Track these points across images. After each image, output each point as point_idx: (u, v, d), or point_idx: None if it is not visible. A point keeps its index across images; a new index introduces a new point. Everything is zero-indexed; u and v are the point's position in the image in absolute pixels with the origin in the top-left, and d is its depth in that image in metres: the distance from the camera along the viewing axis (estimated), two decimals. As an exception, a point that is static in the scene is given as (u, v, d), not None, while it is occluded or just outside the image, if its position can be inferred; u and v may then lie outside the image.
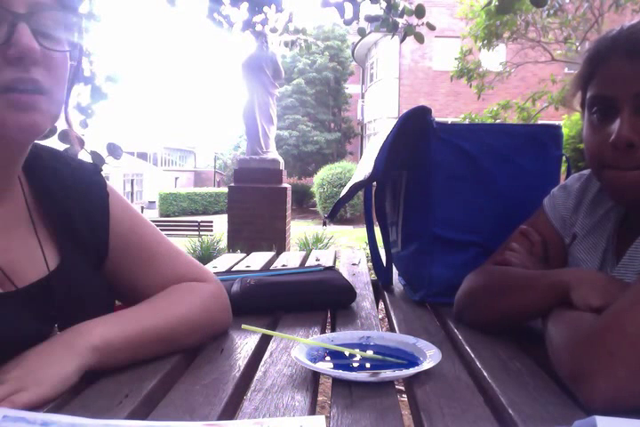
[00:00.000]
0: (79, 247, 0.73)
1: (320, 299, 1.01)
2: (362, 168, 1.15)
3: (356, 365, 0.70)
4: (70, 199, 0.72)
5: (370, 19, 3.92)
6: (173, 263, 0.80)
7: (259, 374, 0.67)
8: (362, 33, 4.22)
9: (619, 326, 0.57)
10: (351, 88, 21.73)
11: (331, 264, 1.48)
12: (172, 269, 0.79)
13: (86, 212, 0.74)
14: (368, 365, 0.69)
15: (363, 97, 22.37)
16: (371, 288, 1.20)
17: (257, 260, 1.59)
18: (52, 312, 0.66)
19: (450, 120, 13.66)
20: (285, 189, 6.50)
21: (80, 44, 0.66)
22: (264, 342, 0.81)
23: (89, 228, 0.74)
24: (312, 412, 0.58)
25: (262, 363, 0.71)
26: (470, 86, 9.25)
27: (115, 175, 22.25)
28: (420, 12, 3.40)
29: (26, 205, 0.69)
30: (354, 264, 1.52)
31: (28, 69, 0.57)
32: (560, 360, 0.63)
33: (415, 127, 1.04)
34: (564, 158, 1.07)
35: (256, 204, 6.31)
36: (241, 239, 6.09)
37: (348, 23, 3.75)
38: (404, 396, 0.66)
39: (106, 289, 0.76)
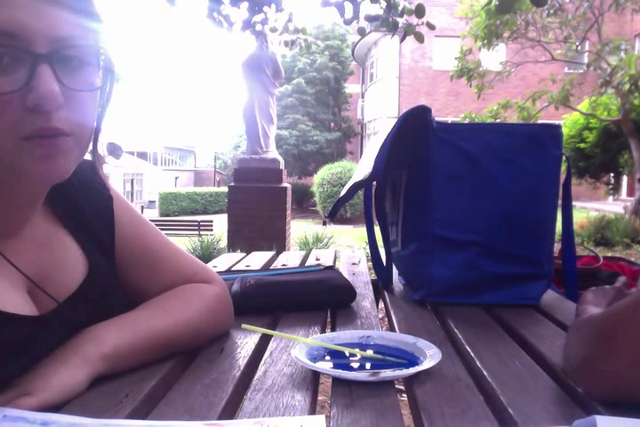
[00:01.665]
0: (98, 247, 0.73)
1: (320, 298, 1.01)
2: (362, 168, 1.15)
3: (355, 364, 0.70)
4: (81, 200, 0.72)
5: (370, 18, 3.92)
6: (179, 265, 0.79)
7: (259, 373, 0.67)
8: (362, 32, 4.23)
9: (627, 315, 0.55)
10: (351, 88, 21.73)
11: (331, 264, 1.48)
12: (177, 270, 0.79)
13: (96, 212, 0.74)
14: (368, 364, 0.69)
15: (363, 96, 22.38)
16: (371, 288, 1.20)
17: (257, 259, 1.59)
18: (89, 319, 0.66)
19: (450, 120, 13.67)
20: (285, 188, 6.50)
21: (112, 68, 0.61)
22: (264, 341, 0.81)
23: (102, 228, 0.74)
24: (312, 411, 0.58)
25: (262, 362, 0.71)
26: (470, 86, 9.25)
27: (115, 175, 22.25)
28: (419, 11, 3.41)
29: (46, 214, 0.69)
30: (354, 264, 1.52)
31: (50, 118, 0.53)
32: (568, 349, 0.63)
33: (415, 127, 1.04)
34: (563, 158, 1.08)
35: (256, 203, 6.30)
36: (241, 239, 6.09)
37: (347, 23, 3.75)
38: (404, 395, 0.66)
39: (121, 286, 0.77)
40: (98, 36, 0.59)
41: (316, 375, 0.67)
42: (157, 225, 0.83)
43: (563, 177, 1.10)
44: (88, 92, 0.57)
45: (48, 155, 0.55)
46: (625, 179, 12.14)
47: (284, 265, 1.49)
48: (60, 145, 0.55)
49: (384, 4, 3.61)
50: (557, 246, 1.16)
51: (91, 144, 0.62)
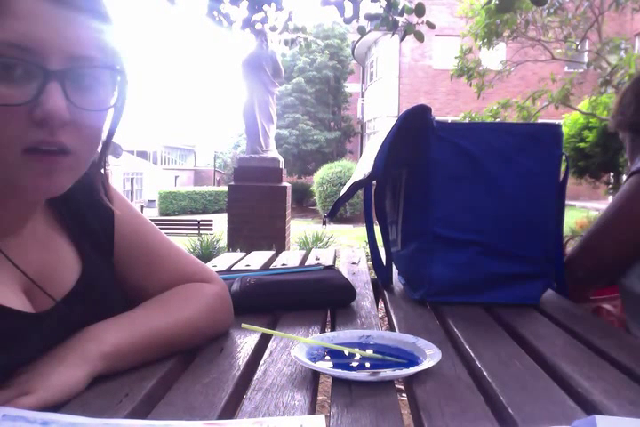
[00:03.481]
0: (95, 247, 0.73)
1: (320, 298, 1.01)
2: (361, 167, 1.15)
3: (355, 364, 0.70)
4: (80, 198, 0.72)
5: (370, 17, 3.92)
6: (179, 264, 0.79)
7: (258, 373, 0.67)
8: (362, 31, 4.22)
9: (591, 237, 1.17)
10: (351, 87, 21.72)
11: (330, 263, 1.48)
12: (177, 269, 0.79)
13: (95, 212, 0.73)
14: (368, 364, 0.69)
15: (363, 96, 22.37)
16: (370, 287, 1.20)
17: (257, 259, 1.59)
18: (85, 319, 0.66)
19: (450, 119, 13.66)
20: (285, 187, 6.50)
21: (126, 89, 0.61)
22: (264, 341, 0.81)
23: (101, 226, 0.74)
24: (312, 411, 0.58)
25: (262, 362, 0.71)
26: (470, 85, 9.23)
27: (115, 174, 22.23)
28: (419, 10, 3.40)
29: (45, 211, 0.69)
30: (354, 263, 1.52)
31: (54, 132, 0.53)
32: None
33: (415, 126, 1.04)
34: (563, 157, 1.07)
35: (256, 203, 6.31)
36: (241, 238, 6.09)
37: (347, 22, 3.75)
38: (404, 395, 0.66)
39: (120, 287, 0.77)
40: (116, 58, 0.59)
41: (315, 375, 0.67)
42: (157, 224, 0.83)
43: (562, 177, 1.10)
44: (95, 117, 0.57)
45: (47, 171, 0.55)
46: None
47: (283, 265, 1.49)
48: (59, 163, 0.55)
49: (384, 3, 3.61)
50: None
51: (96, 149, 0.62)
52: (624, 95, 1.30)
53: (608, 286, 1.25)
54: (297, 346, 0.71)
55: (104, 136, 0.62)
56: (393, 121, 1.05)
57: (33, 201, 0.63)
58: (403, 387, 0.67)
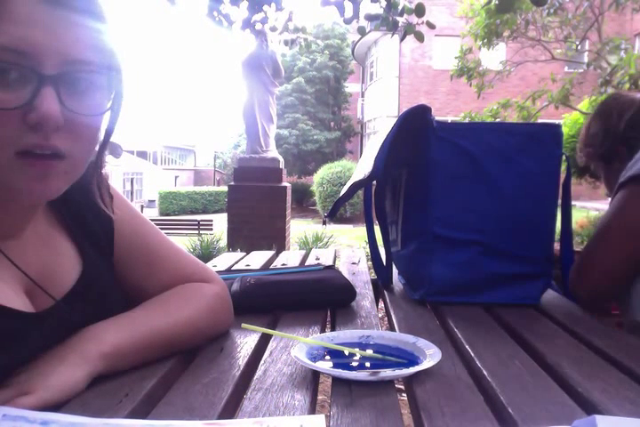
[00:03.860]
0: (95, 247, 0.73)
1: (320, 298, 1.01)
2: (362, 167, 1.15)
3: (355, 364, 0.70)
4: (79, 198, 0.72)
5: (370, 17, 3.92)
6: (178, 264, 0.79)
7: (258, 373, 0.67)
8: (362, 32, 4.22)
9: (588, 251, 1.10)
10: (351, 87, 21.72)
11: (330, 263, 1.48)
12: (177, 269, 0.79)
13: (95, 211, 0.73)
14: (368, 364, 0.69)
15: (363, 96, 22.37)
16: (371, 287, 1.20)
17: (257, 259, 1.59)
18: (85, 319, 0.66)
19: (450, 119, 13.65)
20: (285, 187, 6.50)
21: (122, 93, 0.61)
22: (264, 341, 0.81)
23: (101, 227, 0.74)
24: (312, 411, 0.58)
25: (262, 362, 0.71)
26: (470, 85, 9.23)
27: (114, 174, 22.24)
28: (419, 10, 3.41)
29: (46, 211, 0.69)
30: (354, 263, 1.52)
31: (49, 137, 0.53)
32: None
33: (415, 126, 1.04)
34: (563, 157, 1.07)
35: (256, 203, 6.31)
36: (241, 238, 6.09)
37: (347, 22, 3.75)
38: (404, 395, 0.66)
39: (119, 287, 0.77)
40: (112, 60, 0.59)
41: (315, 375, 0.67)
42: (157, 224, 0.83)
43: (563, 176, 1.10)
44: (90, 121, 0.57)
45: (40, 175, 0.55)
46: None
47: (283, 265, 1.49)
48: (54, 167, 0.55)
49: (384, 4, 3.61)
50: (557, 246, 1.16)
51: (92, 152, 0.62)
52: (589, 127, 1.31)
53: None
54: (297, 346, 0.71)
55: (101, 137, 0.62)
56: (393, 121, 1.05)
57: (30, 205, 0.63)
58: (403, 387, 0.67)
